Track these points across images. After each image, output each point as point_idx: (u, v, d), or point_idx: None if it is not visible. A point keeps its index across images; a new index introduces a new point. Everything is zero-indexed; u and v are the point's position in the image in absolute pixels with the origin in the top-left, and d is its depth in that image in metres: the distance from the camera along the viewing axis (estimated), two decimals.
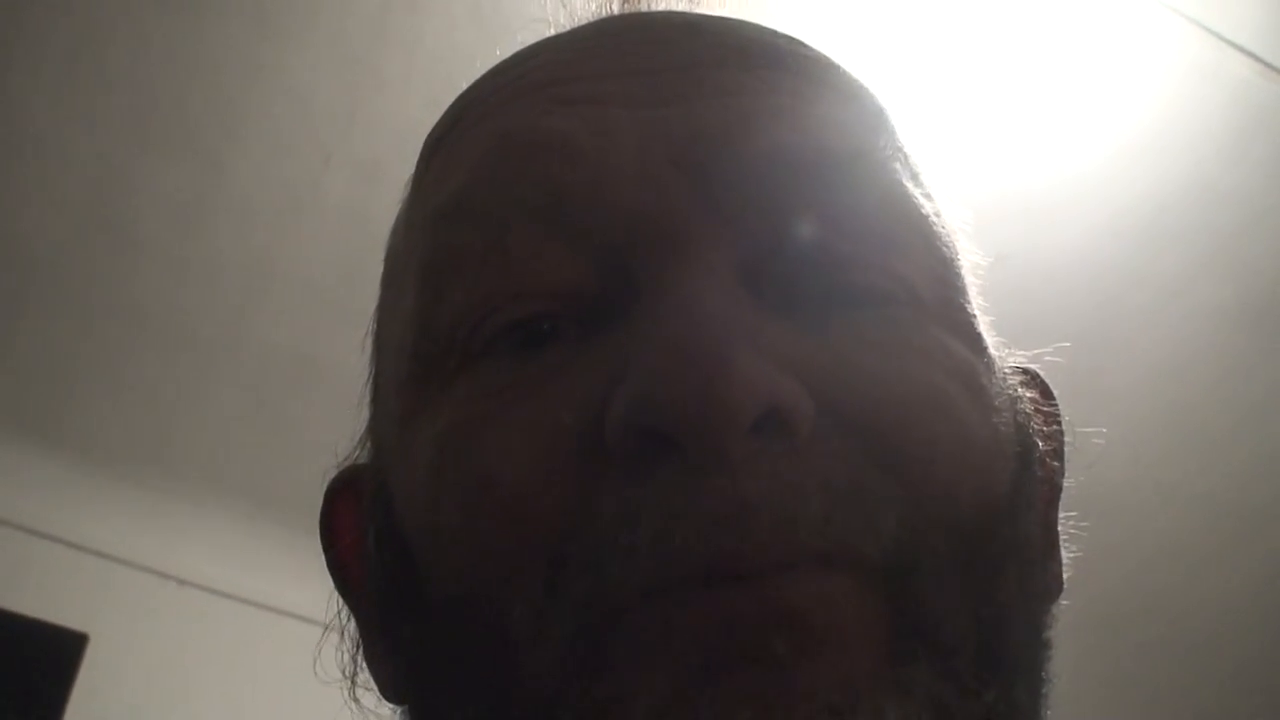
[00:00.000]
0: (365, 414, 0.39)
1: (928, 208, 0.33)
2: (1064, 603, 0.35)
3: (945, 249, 0.33)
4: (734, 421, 0.25)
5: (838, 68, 0.36)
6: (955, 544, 0.28)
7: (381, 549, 0.33)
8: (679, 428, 0.26)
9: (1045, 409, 0.37)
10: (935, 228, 0.33)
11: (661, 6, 0.38)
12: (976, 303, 0.34)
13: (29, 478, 2.11)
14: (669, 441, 0.26)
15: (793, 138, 0.31)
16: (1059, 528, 0.37)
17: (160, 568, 2.18)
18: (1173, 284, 1.80)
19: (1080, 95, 1.60)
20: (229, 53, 1.63)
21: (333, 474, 0.40)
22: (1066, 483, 0.37)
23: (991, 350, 0.33)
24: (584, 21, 0.38)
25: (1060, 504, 0.37)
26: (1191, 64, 1.55)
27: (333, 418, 0.42)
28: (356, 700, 0.38)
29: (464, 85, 0.38)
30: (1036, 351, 0.39)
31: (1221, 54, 1.53)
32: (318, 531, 0.40)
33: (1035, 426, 0.34)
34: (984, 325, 0.34)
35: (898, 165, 0.33)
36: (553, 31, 0.38)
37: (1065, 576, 0.36)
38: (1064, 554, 0.37)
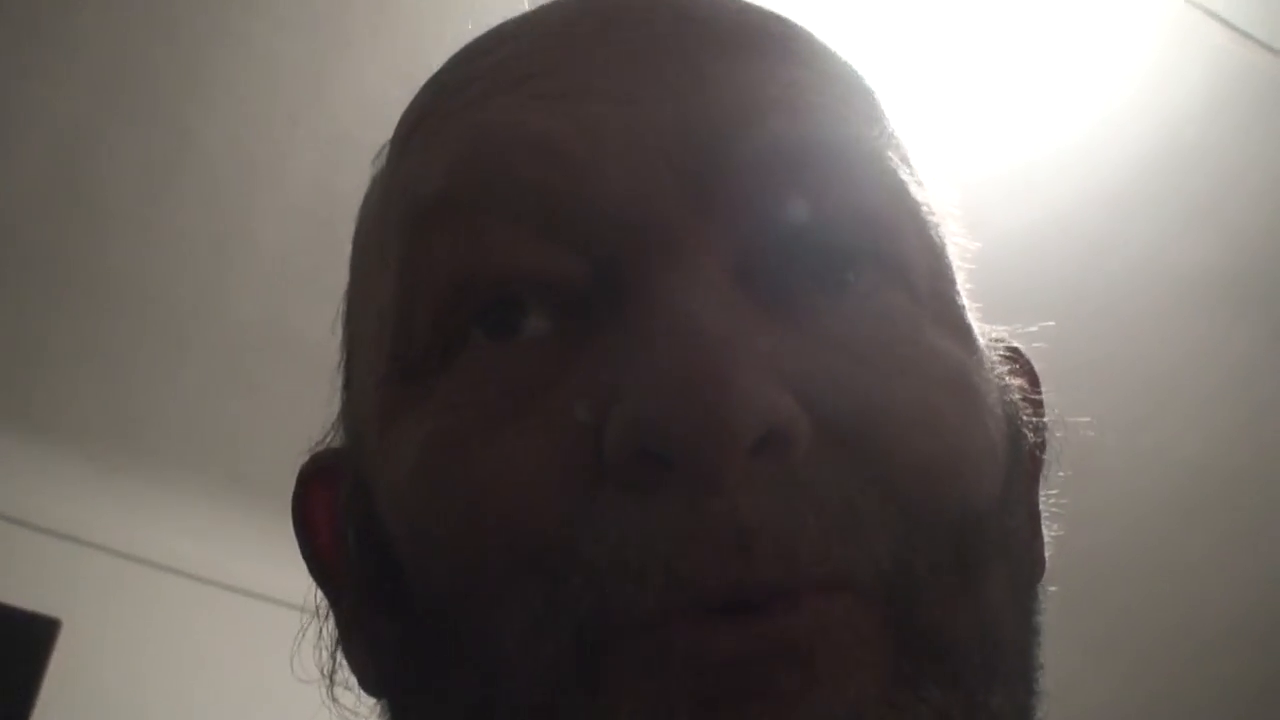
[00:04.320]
0: (338, 399, 0.39)
1: (920, 196, 0.33)
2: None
3: (936, 239, 0.33)
4: (734, 445, 0.25)
5: (830, 52, 0.36)
6: (950, 552, 0.28)
7: (362, 547, 0.33)
8: (678, 451, 0.26)
9: (1033, 397, 0.37)
10: (927, 217, 0.33)
11: None
12: (964, 289, 0.34)
13: None
14: (668, 463, 0.26)
15: (787, 130, 0.31)
16: (1040, 506, 0.37)
17: (133, 551, 2.16)
18: (1149, 249, 1.81)
19: (1057, 64, 1.60)
20: (195, 16, 1.60)
21: (305, 458, 0.40)
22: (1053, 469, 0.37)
23: (981, 343, 0.33)
24: None
25: (1042, 482, 0.37)
26: (1168, 32, 1.55)
27: (306, 392, 0.41)
28: (335, 700, 0.37)
29: (430, 50, 0.37)
30: (1015, 326, 0.38)
31: (1198, 22, 1.53)
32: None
33: (1024, 417, 0.34)
34: (972, 314, 0.34)
35: (891, 153, 0.33)
36: (529, 6, 0.37)
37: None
38: (1045, 532, 0.37)
